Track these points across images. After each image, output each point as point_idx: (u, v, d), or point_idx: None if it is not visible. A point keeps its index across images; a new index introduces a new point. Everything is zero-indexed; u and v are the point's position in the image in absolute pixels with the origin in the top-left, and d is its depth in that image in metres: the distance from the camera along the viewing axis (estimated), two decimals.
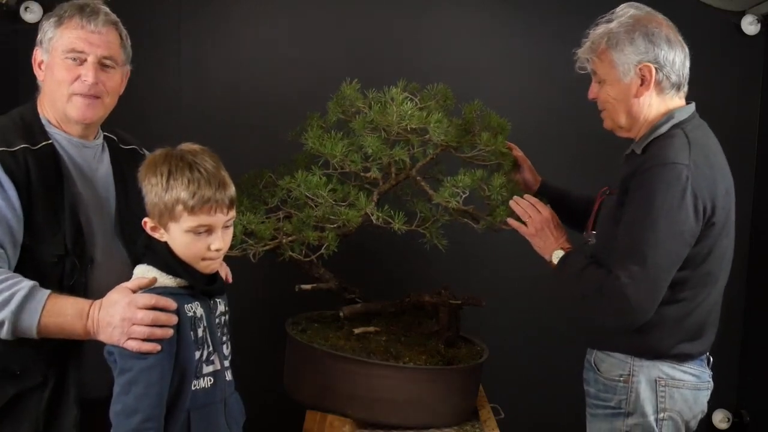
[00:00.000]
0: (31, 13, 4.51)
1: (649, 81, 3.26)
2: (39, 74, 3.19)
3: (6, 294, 2.74)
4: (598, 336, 3.46)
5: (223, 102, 4.64)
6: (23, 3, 4.52)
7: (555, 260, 3.40)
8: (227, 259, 3.32)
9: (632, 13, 3.31)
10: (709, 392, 3.42)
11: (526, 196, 3.53)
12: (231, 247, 3.46)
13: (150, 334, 2.64)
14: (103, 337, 2.73)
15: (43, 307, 2.76)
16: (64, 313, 2.78)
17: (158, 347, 2.64)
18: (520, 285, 4.77)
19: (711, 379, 3.41)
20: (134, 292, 2.74)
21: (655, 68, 3.25)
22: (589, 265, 3.25)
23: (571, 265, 3.32)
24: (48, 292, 2.79)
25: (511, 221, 3.51)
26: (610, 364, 3.38)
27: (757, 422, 4.92)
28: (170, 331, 2.67)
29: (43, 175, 3.02)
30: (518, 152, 3.87)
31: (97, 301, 2.79)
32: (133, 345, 2.64)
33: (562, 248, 3.42)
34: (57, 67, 3.12)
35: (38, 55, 3.18)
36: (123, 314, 2.68)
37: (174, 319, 2.69)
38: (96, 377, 2.93)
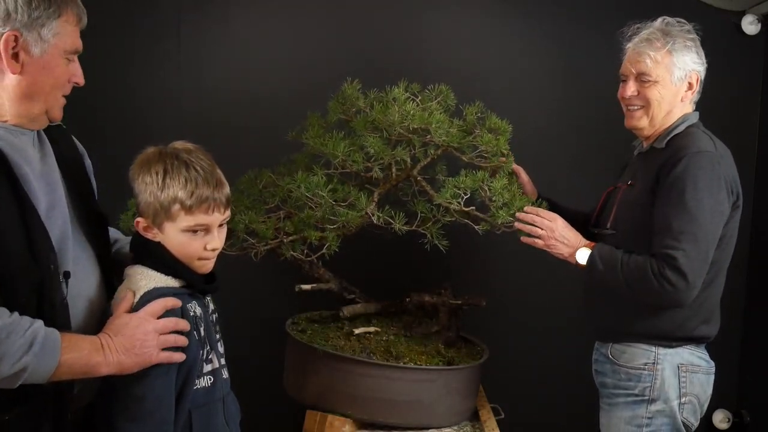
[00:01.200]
0: None
1: (694, 88, 3.55)
2: (12, 65, 2.55)
3: (27, 335, 2.39)
4: (615, 330, 3.60)
5: (223, 102, 4.62)
6: None
7: (582, 260, 3.48)
8: (228, 258, 3.32)
9: (688, 27, 3.57)
10: (713, 377, 3.61)
11: (527, 208, 3.55)
12: (231, 246, 3.48)
13: (175, 341, 2.62)
14: (130, 361, 2.56)
15: (61, 345, 2.46)
16: (80, 347, 2.51)
17: (184, 356, 2.64)
18: (521, 285, 4.77)
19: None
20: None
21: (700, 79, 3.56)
22: (625, 253, 3.40)
23: (605, 258, 3.43)
24: (53, 329, 2.47)
25: (524, 239, 3.57)
26: (632, 354, 3.54)
27: (757, 422, 4.92)
28: (184, 337, 2.66)
29: None
30: (521, 172, 3.92)
31: (102, 334, 2.59)
32: (166, 356, 2.60)
33: (585, 247, 3.49)
34: (57, 67, 2.64)
35: (20, 42, 2.54)
36: (146, 328, 2.59)
37: (184, 322, 2.68)
38: (84, 388, 2.70)
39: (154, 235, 2.77)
